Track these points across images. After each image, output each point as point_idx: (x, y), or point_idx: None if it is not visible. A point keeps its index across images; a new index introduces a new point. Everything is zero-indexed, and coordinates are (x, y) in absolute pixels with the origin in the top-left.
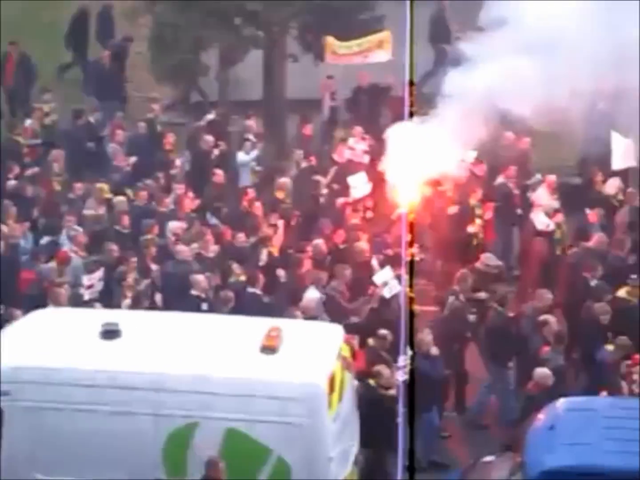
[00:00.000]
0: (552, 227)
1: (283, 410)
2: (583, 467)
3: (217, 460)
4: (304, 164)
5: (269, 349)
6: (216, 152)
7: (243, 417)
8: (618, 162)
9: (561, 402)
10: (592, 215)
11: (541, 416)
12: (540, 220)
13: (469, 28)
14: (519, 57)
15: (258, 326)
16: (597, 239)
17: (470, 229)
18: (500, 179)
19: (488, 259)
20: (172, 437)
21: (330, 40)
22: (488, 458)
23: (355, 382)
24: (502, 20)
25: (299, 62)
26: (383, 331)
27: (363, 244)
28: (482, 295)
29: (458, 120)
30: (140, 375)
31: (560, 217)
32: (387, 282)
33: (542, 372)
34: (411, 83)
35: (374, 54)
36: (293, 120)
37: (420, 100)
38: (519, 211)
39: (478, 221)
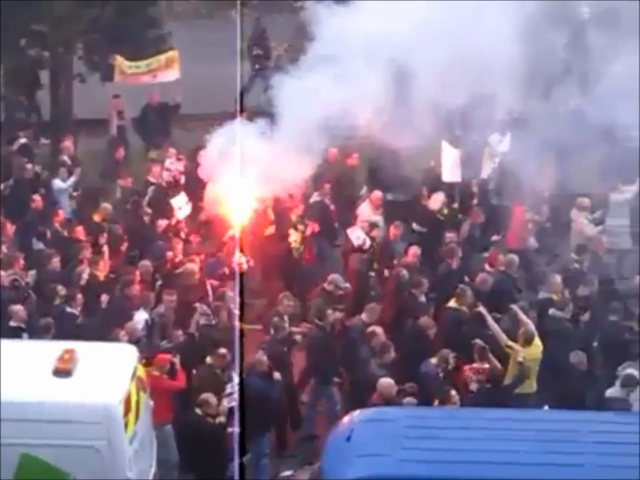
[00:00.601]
0: (368, 243)
1: (79, 434)
2: (379, 478)
3: None
4: (124, 188)
5: (62, 371)
6: (32, 176)
7: (38, 442)
8: (447, 174)
9: (358, 413)
10: (393, 229)
11: (338, 428)
12: (357, 236)
13: (298, 40)
14: (354, 70)
15: (53, 350)
16: (412, 252)
17: (294, 245)
18: (315, 197)
19: (335, 280)
20: None
21: (119, 60)
22: (287, 472)
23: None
24: (336, 31)
25: (86, 82)
26: (222, 350)
27: (194, 266)
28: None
29: (286, 137)
30: None
31: (377, 232)
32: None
33: (386, 382)
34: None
35: (162, 73)
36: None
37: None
38: (336, 226)
39: (295, 237)
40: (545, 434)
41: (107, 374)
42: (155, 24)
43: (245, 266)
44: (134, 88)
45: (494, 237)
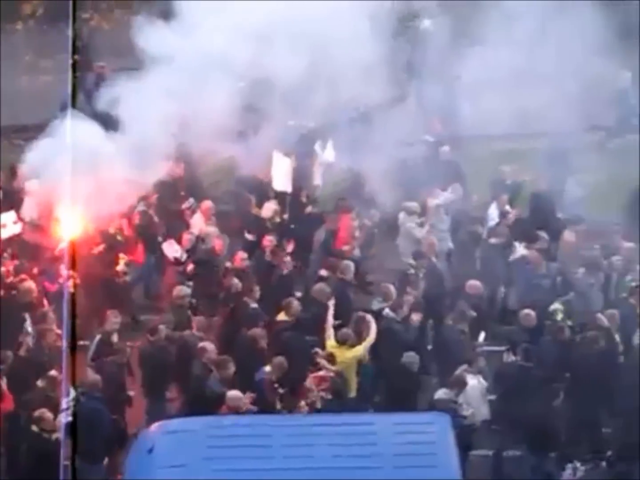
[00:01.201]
0: (185, 256)
1: None
2: None
3: None
4: None
5: None
6: None
7: None
8: (279, 183)
9: (160, 425)
10: (217, 242)
11: (141, 440)
12: (173, 249)
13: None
14: (192, 83)
15: None
16: (239, 257)
17: (118, 267)
18: (140, 206)
19: (181, 292)
20: None
21: None
22: None
23: None
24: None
25: None
26: (52, 372)
27: (31, 284)
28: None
29: (119, 148)
30: None
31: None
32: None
33: (234, 394)
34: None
35: None
36: None
37: None
38: (160, 239)
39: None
40: (345, 437)
41: None
42: None
43: (73, 283)
44: None
45: (345, 247)
